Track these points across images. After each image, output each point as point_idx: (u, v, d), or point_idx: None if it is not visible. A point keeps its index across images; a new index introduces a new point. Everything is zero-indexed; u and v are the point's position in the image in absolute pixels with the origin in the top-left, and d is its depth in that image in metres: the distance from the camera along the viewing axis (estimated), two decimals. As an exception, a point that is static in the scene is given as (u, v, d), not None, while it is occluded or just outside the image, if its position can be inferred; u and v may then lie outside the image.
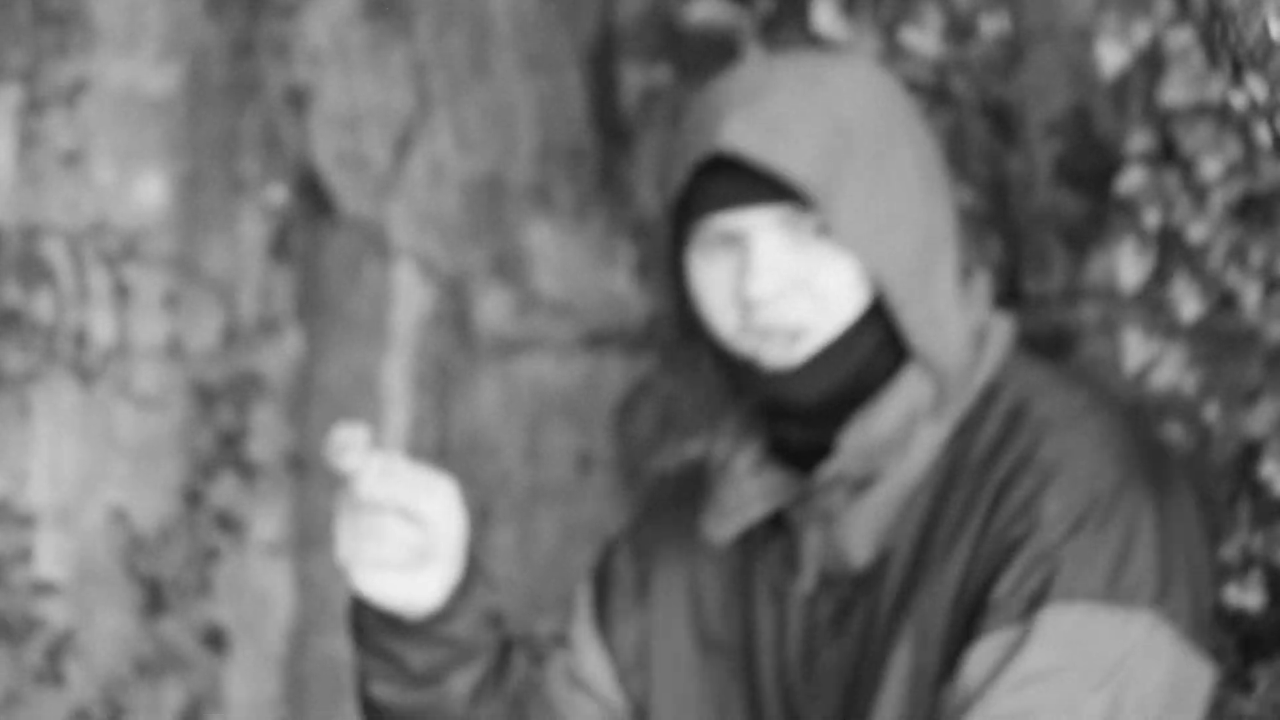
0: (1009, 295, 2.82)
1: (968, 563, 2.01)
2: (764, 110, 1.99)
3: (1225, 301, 2.42)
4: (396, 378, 3.95)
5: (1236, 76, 2.22)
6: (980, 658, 1.94)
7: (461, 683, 2.06)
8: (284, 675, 4.00)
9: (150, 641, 3.84)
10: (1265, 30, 1.99)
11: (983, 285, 2.15)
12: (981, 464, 2.05)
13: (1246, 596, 2.30)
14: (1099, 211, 2.65)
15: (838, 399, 2.05)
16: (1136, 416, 2.09)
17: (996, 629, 1.96)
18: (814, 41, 2.81)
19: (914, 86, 2.73)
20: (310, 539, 3.96)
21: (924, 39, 2.67)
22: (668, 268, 2.10)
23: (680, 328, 2.17)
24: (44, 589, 3.83)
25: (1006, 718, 1.91)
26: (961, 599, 2.00)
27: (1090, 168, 2.67)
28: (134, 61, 4.05)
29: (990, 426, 2.08)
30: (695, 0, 3.11)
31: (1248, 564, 2.32)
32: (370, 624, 1.99)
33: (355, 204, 4.01)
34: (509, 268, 3.89)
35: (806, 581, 2.11)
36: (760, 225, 2.00)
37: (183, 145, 4.05)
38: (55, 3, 3.90)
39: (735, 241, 2.02)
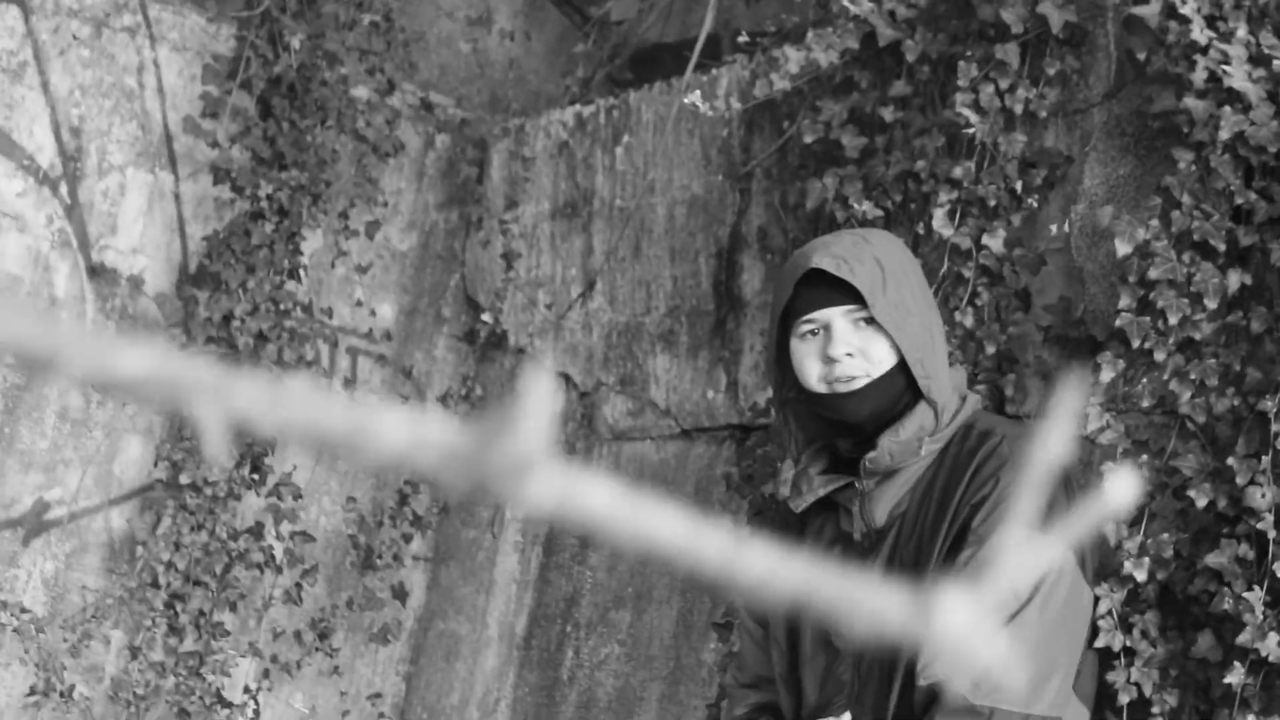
0: (998, 410, 3.71)
1: (951, 518, 2.91)
2: (837, 250, 2.96)
3: (1163, 400, 3.41)
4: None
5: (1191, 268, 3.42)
6: (960, 560, 2.84)
7: None
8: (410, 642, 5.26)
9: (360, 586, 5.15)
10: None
11: (960, 368, 3.11)
12: (962, 462, 2.93)
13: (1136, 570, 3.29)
14: (1069, 365, 3.68)
15: (877, 419, 2.94)
16: None
17: (970, 547, 2.88)
18: (921, 244, 3.88)
19: (984, 270, 3.75)
20: (443, 556, 5.23)
21: (994, 241, 3.84)
22: (774, 356, 2.99)
23: (776, 397, 3.01)
24: (305, 538, 5.14)
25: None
26: (947, 536, 2.91)
27: (1073, 335, 3.73)
28: (391, 226, 5.33)
29: (968, 444, 2.96)
30: (851, 210, 4.02)
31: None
32: None
33: (522, 339, 5.10)
34: (632, 384, 4.76)
35: (856, 533, 3.00)
36: (835, 315, 2.95)
37: (409, 286, 5.33)
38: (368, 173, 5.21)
39: (819, 330, 2.92)
